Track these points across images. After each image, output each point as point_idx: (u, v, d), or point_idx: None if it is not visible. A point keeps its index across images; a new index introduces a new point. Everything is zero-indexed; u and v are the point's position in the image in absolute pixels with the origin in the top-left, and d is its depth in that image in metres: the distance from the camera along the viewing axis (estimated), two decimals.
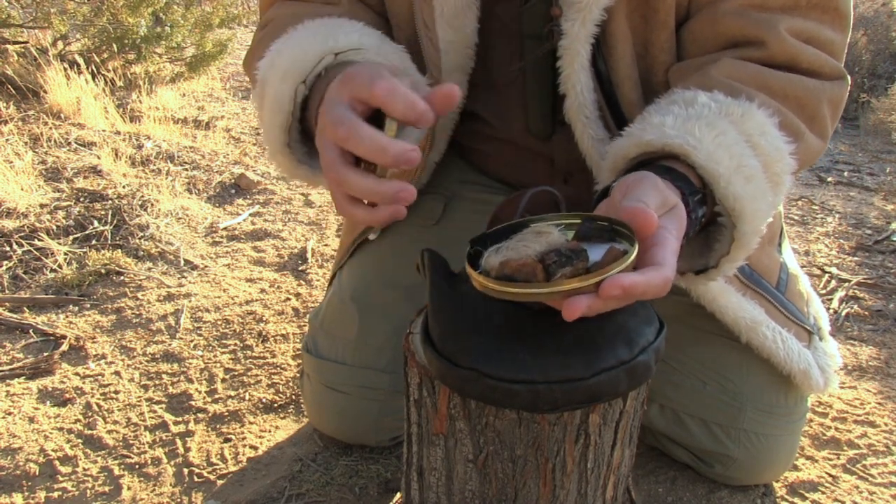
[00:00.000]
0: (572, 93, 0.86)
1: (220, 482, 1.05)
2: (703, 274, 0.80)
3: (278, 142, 0.81)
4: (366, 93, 0.63)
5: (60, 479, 1.03)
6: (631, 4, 0.83)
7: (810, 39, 0.82)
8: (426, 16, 0.87)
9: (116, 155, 2.19)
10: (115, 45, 2.90)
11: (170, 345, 1.37)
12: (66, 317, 1.45)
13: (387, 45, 0.83)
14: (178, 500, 1.01)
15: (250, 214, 2.01)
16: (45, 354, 1.32)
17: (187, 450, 1.10)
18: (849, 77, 0.86)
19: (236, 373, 1.30)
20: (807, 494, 1.07)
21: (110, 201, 1.88)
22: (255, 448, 1.12)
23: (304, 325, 1.46)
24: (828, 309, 1.65)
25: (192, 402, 1.21)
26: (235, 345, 1.39)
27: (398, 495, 1.02)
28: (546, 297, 0.54)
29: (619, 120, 0.89)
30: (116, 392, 1.23)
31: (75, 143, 2.25)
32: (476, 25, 0.88)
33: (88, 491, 1.02)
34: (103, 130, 2.40)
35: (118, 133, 2.39)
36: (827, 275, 1.83)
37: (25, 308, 1.48)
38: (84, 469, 1.05)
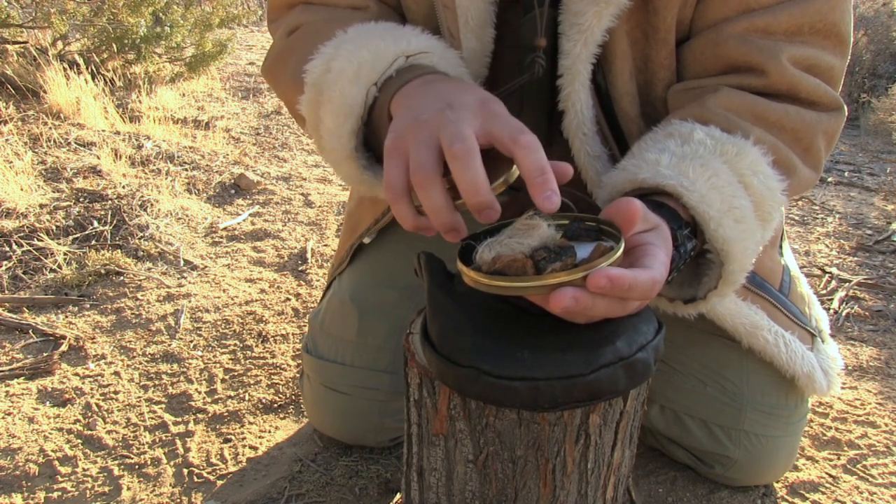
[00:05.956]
0: (572, 111, 0.86)
1: (219, 482, 1.04)
2: (691, 304, 0.81)
3: (346, 148, 0.77)
4: (507, 141, 0.60)
5: (60, 479, 1.03)
6: (631, 22, 0.83)
7: (811, 67, 0.82)
8: (450, 24, 0.86)
9: (116, 155, 2.19)
10: (114, 45, 2.90)
11: (169, 345, 1.37)
12: (66, 317, 1.45)
13: (449, 50, 0.82)
14: (178, 500, 1.01)
15: (250, 214, 2.00)
16: (45, 355, 1.32)
17: (187, 450, 1.10)
18: (846, 108, 0.87)
19: (236, 373, 1.30)
20: (807, 495, 1.07)
21: (110, 201, 1.88)
22: (254, 448, 1.12)
23: (304, 326, 1.46)
24: (828, 309, 1.64)
25: (192, 403, 1.21)
26: (235, 345, 1.38)
27: (398, 495, 1.02)
28: (535, 290, 0.54)
29: (616, 134, 0.89)
30: (116, 392, 1.23)
31: (75, 143, 2.25)
32: (493, 33, 0.87)
33: (88, 491, 1.01)
34: (103, 130, 2.40)
35: (118, 133, 2.39)
36: (827, 275, 1.83)
37: (25, 308, 1.48)
38: (84, 469, 1.05)
